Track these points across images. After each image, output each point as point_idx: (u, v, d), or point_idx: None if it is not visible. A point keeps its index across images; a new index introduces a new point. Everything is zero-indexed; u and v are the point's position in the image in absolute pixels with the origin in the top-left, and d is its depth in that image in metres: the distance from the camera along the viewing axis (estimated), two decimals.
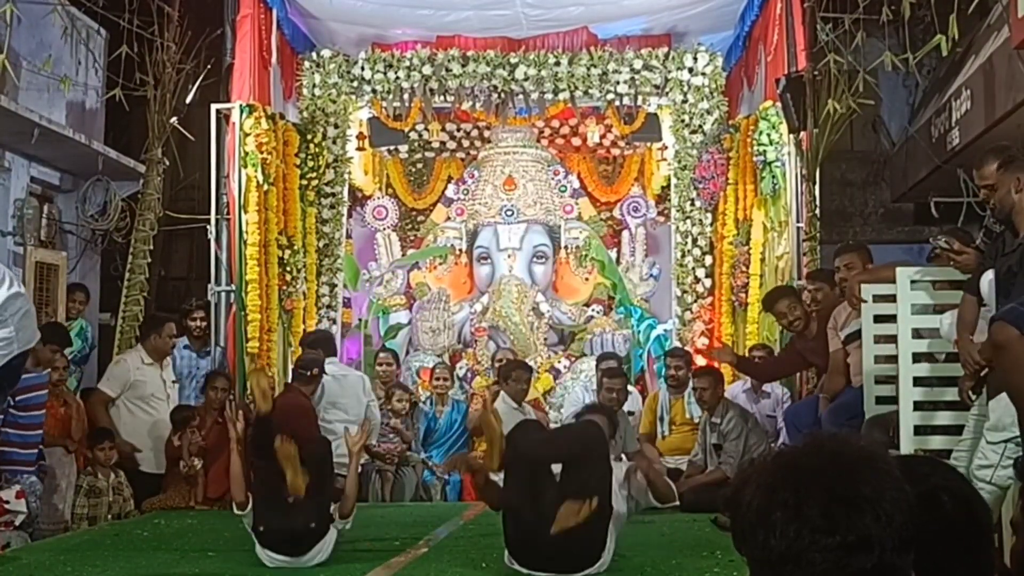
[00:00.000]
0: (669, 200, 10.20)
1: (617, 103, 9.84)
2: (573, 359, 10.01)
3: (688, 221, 9.80)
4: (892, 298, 5.16)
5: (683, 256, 9.76)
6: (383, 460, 8.04)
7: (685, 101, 9.76)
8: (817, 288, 6.62)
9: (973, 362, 4.30)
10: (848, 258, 6.11)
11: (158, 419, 7.41)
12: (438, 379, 8.73)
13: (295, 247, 9.26)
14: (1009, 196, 4.23)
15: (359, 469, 5.48)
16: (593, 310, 10.45)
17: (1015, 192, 4.22)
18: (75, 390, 7.76)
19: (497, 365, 8.57)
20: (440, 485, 8.17)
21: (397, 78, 9.78)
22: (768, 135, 8.65)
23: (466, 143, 11.13)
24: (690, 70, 9.73)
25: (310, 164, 9.57)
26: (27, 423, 6.29)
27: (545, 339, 10.22)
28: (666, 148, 10.16)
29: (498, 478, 4.71)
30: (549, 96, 9.82)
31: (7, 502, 5.99)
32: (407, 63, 9.78)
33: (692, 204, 9.75)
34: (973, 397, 4.44)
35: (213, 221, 8.80)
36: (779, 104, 8.29)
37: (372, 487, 7.92)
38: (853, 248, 6.32)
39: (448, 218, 10.92)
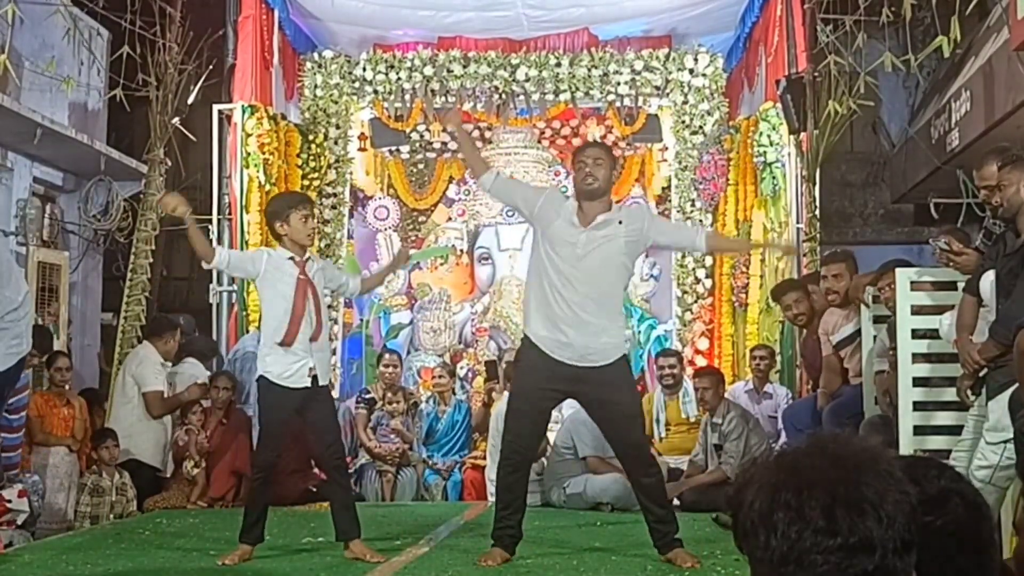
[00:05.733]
0: (670, 201, 10.20)
1: (618, 104, 9.86)
2: None
3: (688, 222, 9.80)
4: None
5: (683, 256, 9.77)
6: (383, 460, 8.06)
7: (686, 102, 9.78)
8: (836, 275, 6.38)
9: (972, 362, 4.32)
10: (835, 268, 6.10)
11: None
12: (439, 378, 8.74)
13: None
14: (1018, 195, 4.23)
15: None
16: None
17: None
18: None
19: (503, 365, 8.58)
20: (441, 485, 8.19)
21: (399, 79, 9.80)
22: (768, 136, 8.67)
23: None
24: (691, 71, 9.75)
25: (312, 165, 9.59)
26: (18, 425, 6.38)
27: None
28: (667, 149, 10.17)
29: None
30: (550, 97, 9.84)
31: (9, 501, 6.01)
32: (408, 64, 9.80)
33: (692, 205, 9.77)
34: (972, 397, 4.46)
35: (215, 221, 8.82)
36: (779, 105, 8.31)
37: (372, 487, 7.93)
38: (840, 257, 6.28)
39: (449, 218, 10.94)
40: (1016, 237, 4.27)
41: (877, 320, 5.62)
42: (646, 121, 10.02)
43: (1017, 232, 4.28)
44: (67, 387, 7.15)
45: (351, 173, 10.11)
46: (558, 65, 9.71)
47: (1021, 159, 4.30)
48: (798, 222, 8.35)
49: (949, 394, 4.73)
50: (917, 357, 5.09)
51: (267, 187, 8.81)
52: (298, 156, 9.47)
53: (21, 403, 6.40)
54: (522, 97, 9.81)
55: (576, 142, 11.06)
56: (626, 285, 5.12)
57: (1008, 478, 4.21)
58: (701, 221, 9.77)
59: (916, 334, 5.08)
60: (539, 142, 10.94)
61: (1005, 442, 4.17)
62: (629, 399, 4.97)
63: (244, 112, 8.71)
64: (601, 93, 9.79)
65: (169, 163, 8.39)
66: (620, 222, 4.77)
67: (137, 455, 7.24)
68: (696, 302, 9.66)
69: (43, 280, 8.55)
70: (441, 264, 10.73)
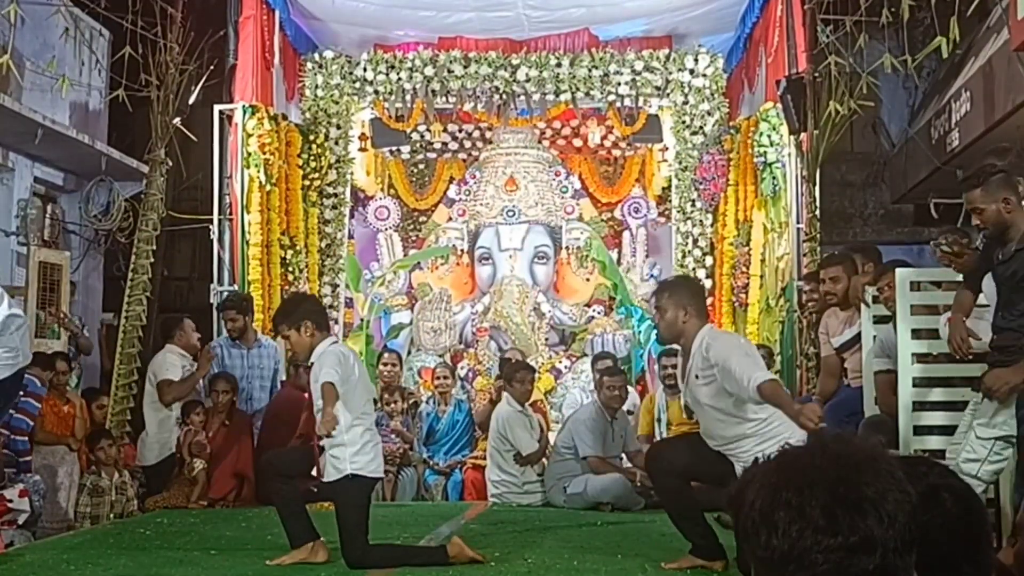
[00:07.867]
0: (670, 201, 10.22)
1: (618, 104, 9.87)
2: (574, 359, 10.03)
3: (689, 222, 9.82)
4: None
5: (684, 257, 9.79)
6: (384, 460, 8.05)
7: (686, 102, 9.79)
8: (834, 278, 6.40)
9: (960, 341, 4.34)
10: (832, 271, 6.07)
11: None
12: (439, 379, 8.75)
13: (297, 247, 9.29)
14: (998, 214, 4.25)
15: None
16: (594, 310, 10.47)
17: (1005, 212, 4.24)
18: (75, 387, 7.80)
19: (512, 358, 8.59)
20: (441, 485, 8.19)
21: (399, 79, 9.81)
22: (768, 136, 8.68)
23: (468, 144, 11.16)
24: (691, 72, 9.76)
25: (312, 165, 9.60)
26: (25, 429, 6.40)
27: (546, 339, 10.25)
28: (667, 149, 10.19)
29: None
30: (550, 97, 9.86)
31: (10, 500, 6.02)
32: (409, 64, 9.82)
33: (693, 205, 9.78)
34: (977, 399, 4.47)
35: (216, 221, 8.83)
36: (779, 106, 8.31)
37: None
38: (837, 260, 6.25)
39: (450, 219, 10.95)
40: (1003, 247, 4.30)
41: (877, 320, 5.62)
42: (646, 121, 10.04)
43: (1004, 244, 4.30)
44: (67, 387, 7.15)
45: (352, 173, 10.12)
46: (558, 65, 9.72)
47: (989, 180, 4.30)
48: (798, 222, 8.35)
49: (949, 394, 4.74)
50: (917, 357, 5.10)
51: (267, 187, 8.82)
52: (299, 156, 9.49)
53: (29, 407, 6.46)
54: (523, 97, 9.82)
55: (576, 142, 11.09)
56: (736, 414, 4.49)
57: (994, 472, 4.28)
58: (701, 221, 9.79)
59: (916, 334, 5.09)
60: (539, 142, 10.96)
61: (995, 439, 4.21)
62: None
63: (245, 112, 8.72)
64: (601, 93, 9.81)
65: (170, 163, 8.39)
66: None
67: (173, 449, 7.28)
68: None
69: (44, 280, 8.55)
70: (441, 264, 10.74)
